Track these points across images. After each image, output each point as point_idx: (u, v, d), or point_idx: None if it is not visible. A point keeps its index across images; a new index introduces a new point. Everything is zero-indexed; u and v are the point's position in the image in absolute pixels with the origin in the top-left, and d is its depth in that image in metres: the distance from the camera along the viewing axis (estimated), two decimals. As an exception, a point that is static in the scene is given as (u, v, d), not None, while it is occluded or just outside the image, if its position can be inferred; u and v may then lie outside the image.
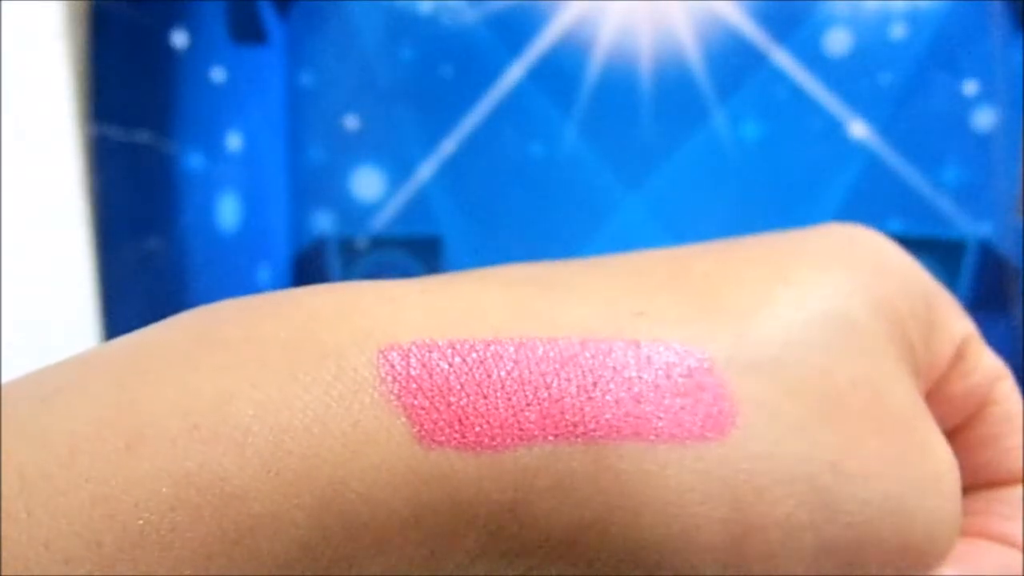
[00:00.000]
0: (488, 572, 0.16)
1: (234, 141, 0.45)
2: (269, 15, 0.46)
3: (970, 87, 0.43)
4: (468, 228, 0.45)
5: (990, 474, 0.21)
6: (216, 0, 0.45)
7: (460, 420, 0.15)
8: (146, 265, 0.45)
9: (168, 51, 0.45)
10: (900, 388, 0.18)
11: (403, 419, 0.15)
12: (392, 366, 0.15)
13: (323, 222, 0.46)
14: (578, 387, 0.16)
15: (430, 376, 0.16)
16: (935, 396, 0.20)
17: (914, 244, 0.20)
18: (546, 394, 0.16)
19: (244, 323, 0.16)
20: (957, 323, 0.20)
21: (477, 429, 0.15)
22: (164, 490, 0.14)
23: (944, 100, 0.43)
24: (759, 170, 0.44)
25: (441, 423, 0.15)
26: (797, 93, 0.44)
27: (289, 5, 0.46)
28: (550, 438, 0.16)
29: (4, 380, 0.15)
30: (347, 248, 0.45)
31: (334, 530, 0.15)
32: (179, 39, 0.45)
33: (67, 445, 0.14)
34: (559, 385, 0.16)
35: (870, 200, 0.44)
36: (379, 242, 0.45)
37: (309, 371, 0.15)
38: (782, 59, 0.44)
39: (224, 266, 0.46)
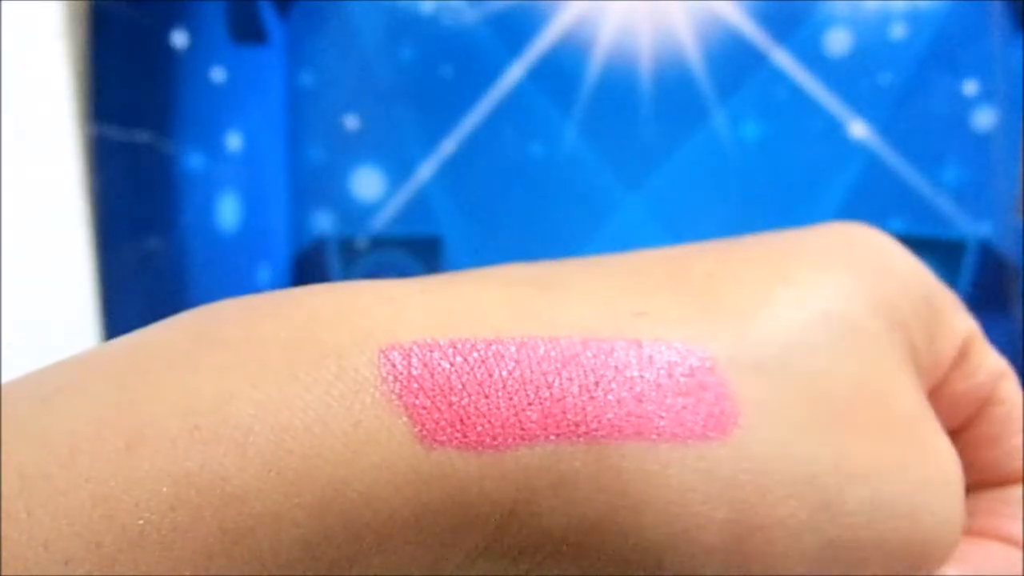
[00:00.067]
0: (489, 571, 0.16)
1: (234, 141, 0.45)
2: (269, 15, 0.46)
3: (970, 87, 0.43)
4: (468, 228, 0.45)
5: (993, 473, 0.21)
6: (216, 0, 0.45)
7: (462, 420, 0.15)
8: (146, 265, 0.45)
9: (168, 51, 0.45)
10: (902, 387, 0.18)
11: (404, 419, 0.15)
12: (393, 366, 0.15)
13: (323, 222, 0.45)
14: (580, 386, 0.16)
15: (431, 376, 0.15)
16: (938, 395, 0.20)
17: (914, 244, 0.20)
18: (548, 393, 0.16)
19: (244, 323, 0.16)
20: (960, 322, 0.20)
21: (479, 429, 0.15)
22: (164, 490, 0.14)
23: (944, 100, 0.43)
24: (759, 170, 0.44)
25: (443, 423, 0.15)
26: (797, 93, 0.44)
27: (289, 5, 0.46)
28: (552, 438, 0.15)
29: (4, 380, 0.15)
30: (347, 248, 0.45)
31: (335, 530, 0.15)
32: (179, 39, 0.45)
33: (67, 445, 0.14)
34: (561, 384, 0.16)
35: (870, 200, 0.44)
36: (379, 242, 0.45)
37: (310, 371, 0.15)
38: (782, 59, 0.44)
39: (224, 266, 0.46)
